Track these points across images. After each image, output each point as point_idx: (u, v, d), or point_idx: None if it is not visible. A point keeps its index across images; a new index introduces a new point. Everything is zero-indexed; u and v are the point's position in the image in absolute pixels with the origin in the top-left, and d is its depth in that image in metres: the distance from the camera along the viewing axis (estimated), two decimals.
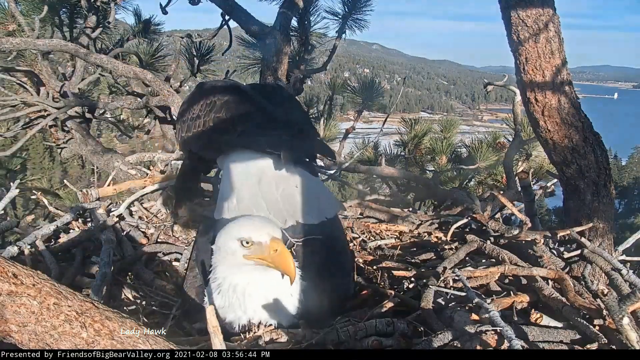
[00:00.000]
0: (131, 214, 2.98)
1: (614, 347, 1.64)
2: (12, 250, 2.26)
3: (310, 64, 4.64)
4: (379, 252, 2.81)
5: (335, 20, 4.46)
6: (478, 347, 1.58)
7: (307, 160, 2.15)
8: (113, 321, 1.23)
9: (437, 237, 2.90)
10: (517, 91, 3.42)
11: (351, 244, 2.83)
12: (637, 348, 1.56)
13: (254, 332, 1.67)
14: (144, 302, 2.16)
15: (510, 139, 4.04)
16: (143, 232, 2.83)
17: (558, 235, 2.49)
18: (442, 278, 2.09)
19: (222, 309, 1.74)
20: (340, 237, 2.16)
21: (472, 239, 2.58)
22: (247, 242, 1.66)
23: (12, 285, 1.18)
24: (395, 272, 2.27)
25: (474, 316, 1.78)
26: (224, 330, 1.40)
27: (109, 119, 5.78)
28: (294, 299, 1.79)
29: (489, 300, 1.83)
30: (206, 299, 1.82)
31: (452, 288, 2.03)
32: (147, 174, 3.53)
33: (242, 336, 1.67)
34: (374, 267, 2.49)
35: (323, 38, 4.77)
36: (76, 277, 2.26)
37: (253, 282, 1.72)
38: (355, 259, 2.45)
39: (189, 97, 2.46)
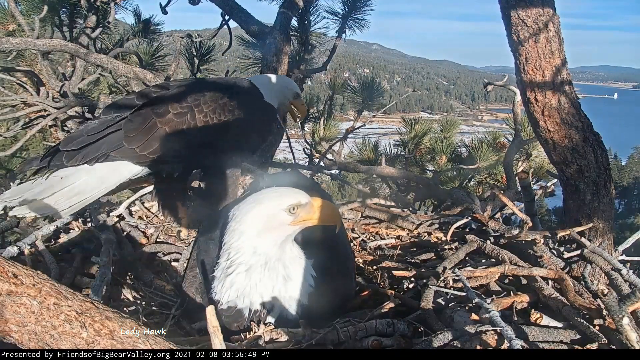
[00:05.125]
0: (131, 214, 2.97)
1: (614, 347, 1.64)
2: (12, 250, 2.25)
3: (310, 64, 4.64)
4: (379, 252, 2.81)
5: (335, 20, 4.47)
6: (478, 347, 1.58)
7: None
8: (113, 321, 1.23)
9: (437, 237, 2.90)
10: (517, 91, 3.42)
11: (351, 244, 2.83)
12: (637, 348, 1.56)
13: (254, 332, 1.67)
14: (144, 302, 2.16)
15: (510, 139, 4.04)
16: (143, 232, 2.82)
17: (558, 235, 2.49)
18: (442, 278, 2.09)
19: (235, 298, 1.71)
20: (341, 237, 2.15)
21: (472, 239, 2.58)
22: (294, 209, 1.70)
23: (12, 285, 1.18)
24: (395, 272, 2.27)
25: (474, 316, 1.78)
26: (224, 329, 1.40)
27: None
28: (302, 287, 1.78)
29: (489, 300, 1.83)
30: (206, 297, 1.81)
31: (452, 288, 2.03)
32: None
33: (242, 336, 1.67)
34: (374, 267, 2.49)
35: (323, 38, 4.77)
36: (76, 277, 2.25)
37: (281, 259, 1.73)
38: (355, 259, 2.45)
39: None
